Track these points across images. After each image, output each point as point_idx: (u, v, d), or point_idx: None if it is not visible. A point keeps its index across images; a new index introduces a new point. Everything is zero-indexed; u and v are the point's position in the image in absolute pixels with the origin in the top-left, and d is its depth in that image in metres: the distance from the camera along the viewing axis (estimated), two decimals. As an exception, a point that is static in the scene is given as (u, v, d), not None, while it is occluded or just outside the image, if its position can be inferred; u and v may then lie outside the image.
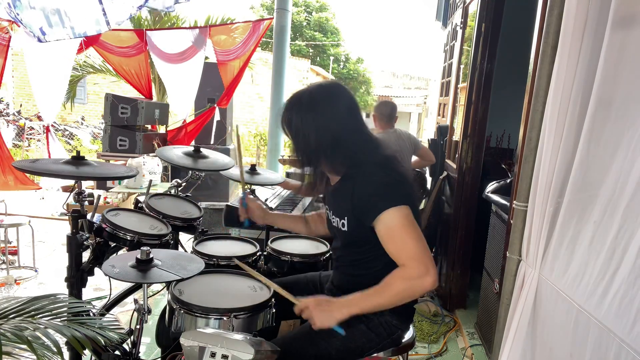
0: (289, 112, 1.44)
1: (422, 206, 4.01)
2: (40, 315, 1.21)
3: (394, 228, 1.34)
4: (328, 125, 1.40)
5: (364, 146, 1.45)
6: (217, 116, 5.98)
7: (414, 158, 3.67)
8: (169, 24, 7.48)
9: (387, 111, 3.53)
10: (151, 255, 1.48)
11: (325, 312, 1.35)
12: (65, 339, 1.16)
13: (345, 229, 1.46)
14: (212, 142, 6.00)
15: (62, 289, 1.77)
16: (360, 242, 1.47)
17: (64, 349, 1.15)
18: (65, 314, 1.27)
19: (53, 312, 1.24)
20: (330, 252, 2.06)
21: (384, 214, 1.34)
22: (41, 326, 1.13)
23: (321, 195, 1.73)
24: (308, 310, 1.37)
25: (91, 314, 1.53)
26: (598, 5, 1.17)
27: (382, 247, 1.40)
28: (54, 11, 3.61)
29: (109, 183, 4.80)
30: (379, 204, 1.35)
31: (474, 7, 3.21)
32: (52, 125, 6.19)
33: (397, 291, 1.34)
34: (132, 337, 1.58)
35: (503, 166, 3.69)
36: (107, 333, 1.24)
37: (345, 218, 1.45)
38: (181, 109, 6.12)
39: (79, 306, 1.35)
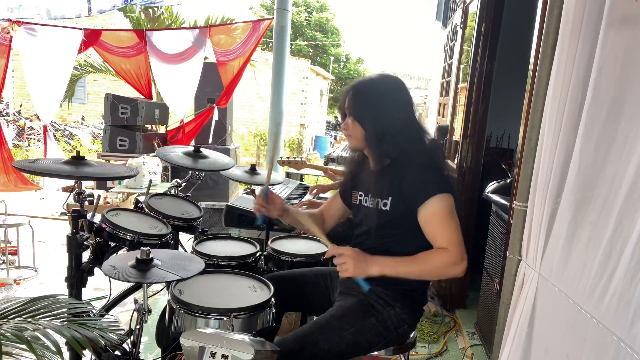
0: (363, 96, 1.52)
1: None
2: (40, 316, 1.21)
3: (441, 213, 1.43)
4: (396, 112, 1.50)
5: (418, 136, 1.54)
6: (215, 116, 5.97)
7: None
8: (167, 23, 7.47)
9: None
10: (151, 255, 1.48)
11: (361, 262, 1.40)
12: (65, 339, 1.15)
13: (387, 208, 1.52)
14: (210, 141, 5.98)
15: (62, 289, 1.77)
16: (398, 224, 1.52)
17: (64, 349, 1.15)
18: (65, 315, 1.26)
19: (53, 312, 1.24)
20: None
21: (433, 198, 1.42)
22: (41, 326, 1.13)
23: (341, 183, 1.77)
24: (343, 256, 1.40)
25: (91, 315, 1.53)
26: (596, 5, 1.17)
27: (413, 236, 1.47)
28: None
29: (109, 183, 4.80)
30: (430, 187, 1.44)
31: (474, 7, 3.21)
32: (52, 125, 6.19)
33: (433, 266, 1.42)
34: (132, 337, 1.58)
35: (503, 166, 3.68)
36: (107, 334, 1.24)
37: (389, 198, 1.51)
38: (179, 109, 6.11)
39: (79, 307, 1.35)
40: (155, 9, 7.29)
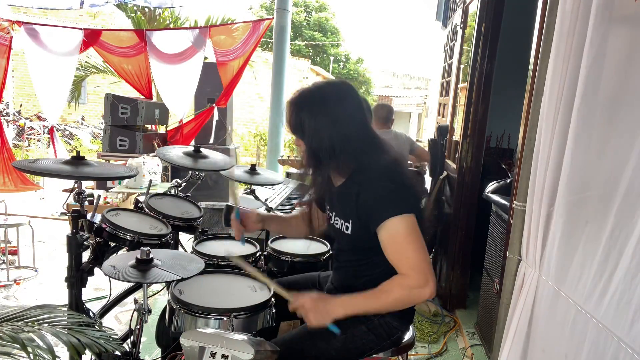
0: (300, 110, 1.40)
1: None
2: (39, 322, 1.20)
3: (397, 237, 1.34)
4: (338, 124, 1.37)
5: (372, 148, 1.43)
6: (215, 116, 5.97)
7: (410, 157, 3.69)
8: (167, 22, 7.47)
9: (384, 114, 3.53)
10: (151, 255, 1.48)
11: (321, 310, 1.36)
12: (65, 343, 1.15)
13: (349, 232, 1.45)
14: (211, 141, 5.98)
15: (62, 289, 1.77)
16: (364, 247, 1.46)
17: (64, 350, 1.15)
18: (64, 324, 1.26)
19: (50, 321, 1.23)
20: (331, 252, 2.06)
21: (388, 221, 1.33)
22: (37, 329, 1.13)
23: (310, 197, 1.70)
24: (303, 308, 1.37)
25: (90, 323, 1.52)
26: (592, 4, 1.17)
27: (382, 258, 1.39)
28: None
29: (109, 183, 4.80)
30: (384, 211, 1.34)
31: (474, 7, 3.21)
32: (54, 126, 6.19)
33: (395, 298, 1.35)
34: (132, 337, 1.58)
35: (503, 166, 3.68)
36: (103, 344, 1.23)
37: (350, 222, 1.44)
38: (178, 109, 6.11)
39: (77, 318, 1.35)
40: (145, 10, 7.29)
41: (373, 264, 1.47)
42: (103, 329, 1.37)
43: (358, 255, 1.50)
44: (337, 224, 1.52)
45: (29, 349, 1.03)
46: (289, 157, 3.47)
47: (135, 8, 7.02)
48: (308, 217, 1.78)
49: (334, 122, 1.37)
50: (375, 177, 1.38)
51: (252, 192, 2.50)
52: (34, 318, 1.20)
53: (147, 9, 7.25)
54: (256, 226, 1.77)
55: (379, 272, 1.44)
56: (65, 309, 1.36)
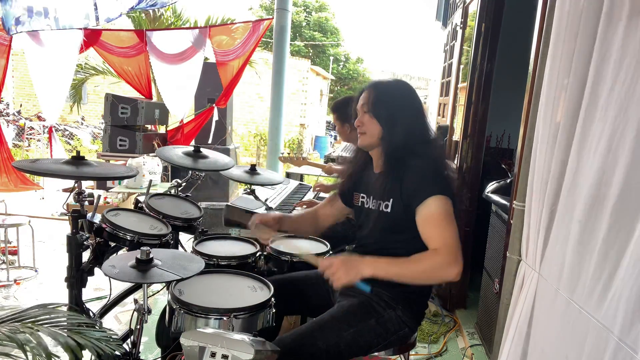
0: (392, 97, 1.56)
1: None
2: (38, 323, 1.20)
3: (437, 214, 1.42)
4: (417, 117, 1.57)
5: (427, 139, 1.58)
6: (215, 116, 5.98)
7: None
8: (169, 22, 7.47)
9: None
10: (151, 255, 1.48)
11: (351, 267, 1.40)
12: (63, 344, 1.15)
13: (389, 210, 1.52)
14: (210, 141, 5.98)
15: (62, 289, 1.77)
16: (399, 227, 1.52)
17: (64, 351, 1.15)
18: (64, 324, 1.26)
19: (49, 321, 1.23)
20: (331, 252, 2.06)
21: (431, 198, 1.43)
22: (36, 330, 1.12)
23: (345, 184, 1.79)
24: (333, 266, 1.41)
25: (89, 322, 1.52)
26: (593, 5, 1.17)
27: (415, 240, 1.46)
28: (39, 3, 3.59)
29: (109, 183, 4.81)
30: (428, 188, 1.44)
31: (474, 7, 3.21)
32: (53, 126, 6.19)
33: (424, 269, 1.41)
34: (132, 337, 1.58)
35: (503, 166, 3.68)
36: (103, 345, 1.23)
37: (391, 200, 1.51)
38: (178, 109, 6.11)
39: (77, 317, 1.35)
40: (150, 12, 7.30)
41: (404, 244, 1.51)
42: (103, 329, 1.37)
43: (390, 235, 1.55)
44: (372, 205, 1.59)
45: (27, 349, 1.03)
46: (289, 154, 3.48)
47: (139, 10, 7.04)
48: (315, 215, 1.92)
49: (414, 112, 1.57)
50: (423, 164, 1.50)
51: (252, 192, 2.50)
52: (33, 319, 1.20)
53: (150, 10, 7.27)
54: (276, 227, 1.90)
55: (407, 253, 1.47)
56: (65, 308, 1.36)
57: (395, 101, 1.56)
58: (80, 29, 5.34)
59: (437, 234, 1.42)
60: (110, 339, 1.27)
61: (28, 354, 1.03)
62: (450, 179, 1.51)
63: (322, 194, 3.12)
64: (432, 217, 1.43)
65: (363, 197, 1.65)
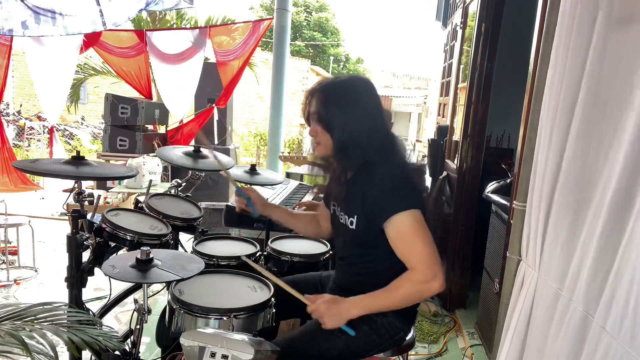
0: (331, 101, 1.40)
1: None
2: (39, 320, 1.20)
3: (405, 231, 1.35)
4: (367, 118, 1.40)
5: (384, 145, 1.44)
6: (216, 116, 5.98)
7: None
8: (170, 24, 7.48)
9: None
10: (151, 255, 1.48)
11: (335, 313, 1.38)
12: (64, 340, 1.15)
13: (354, 227, 1.45)
14: (215, 142, 5.99)
15: (62, 289, 1.77)
16: (368, 242, 1.47)
17: (64, 350, 1.15)
18: (64, 321, 1.26)
19: (51, 318, 1.23)
20: (331, 252, 2.06)
21: (396, 216, 1.35)
22: (38, 327, 1.13)
23: (321, 194, 1.73)
24: (318, 312, 1.39)
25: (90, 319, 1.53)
26: (591, 4, 1.17)
27: (389, 249, 1.40)
28: (46, 9, 3.60)
29: (109, 183, 4.81)
30: (391, 205, 1.36)
31: (474, 7, 3.21)
32: (53, 126, 6.19)
33: (405, 294, 1.37)
34: (132, 337, 1.58)
35: (503, 166, 3.68)
36: (104, 342, 1.23)
37: (355, 216, 1.44)
38: (178, 109, 6.11)
39: (77, 315, 1.35)
40: (158, 13, 7.30)
41: (376, 260, 1.48)
42: (103, 327, 1.37)
43: (361, 250, 1.50)
44: (341, 219, 1.52)
45: (30, 347, 1.03)
46: (289, 153, 3.48)
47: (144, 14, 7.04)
48: (317, 219, 1.82)
49: (365, 116, 1.40)
50: (384, 173, 1.40)
51: (252, 192, 2.49)
52: (33, 317, 1.20)
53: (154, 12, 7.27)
54: (259, 208, 1.77)
55: (382, 268, 1.46)
56: (65, 306, 1.36)
57: (344, 106, 1.38)
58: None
59: (410, 251, 1.36)
60: (112, 336, 1.27)
61: (32, 352, 1.03)
62: (414, 188, 1.41)
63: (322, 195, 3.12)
64: (401, 235, 1.36)
65: (334, 206, 1.58)
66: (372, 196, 1.39)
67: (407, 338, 1.59)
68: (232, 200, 1.82)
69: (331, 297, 1.42)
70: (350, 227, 1.47)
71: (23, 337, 1.05)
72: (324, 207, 1.76)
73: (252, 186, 2.49)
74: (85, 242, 1.72)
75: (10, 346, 1.04)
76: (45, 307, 1.27)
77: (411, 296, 1.39)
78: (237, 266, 1.90)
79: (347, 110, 1.39)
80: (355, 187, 1.43)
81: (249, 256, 1.79)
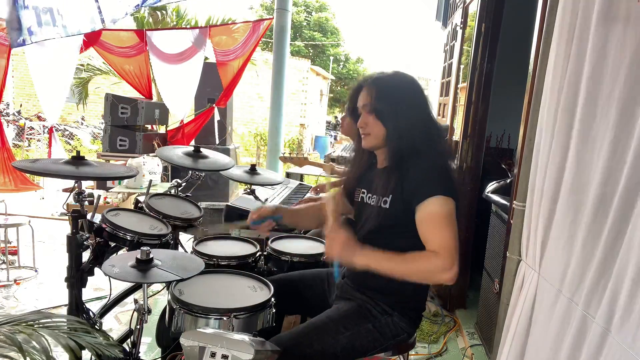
0: (395, 93, 1.47)
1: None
2: (38, 326, 1.20)
3: (437, 215, 1.37)
4: (423, 113, 1.49)
5: (433, 135, 1.50)
6: (217, 116, 5.98)
7: None
8: (171, 23, 7.48)
9: None
10: (151, 255, 1.48)
11: (348, 248, 1.39)
12: (63, 345, 1.15)
13: (387, 206, 1.47)
14: (217, 142, 5.99)
15: (62, 289, 1.77)
16: (396, 223, 1.47)
17: (64, 352, 1.15)
18: (65, 329, 1.26)
19: (49, 325, 1.23)
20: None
21: (433, 198, 1.37)
22: (35, 333, 1.12)
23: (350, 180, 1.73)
24: (336, 238, 1.40)
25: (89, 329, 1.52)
26: (591, 4, 1.17)
27: (411, 238, 1.41)
28: (45, 10, 3.59)
29: (109, 183, 4.80)
30: (431, 187, 1.38)
31: (474, 7, 3.21)
32: (53, 126, 6.19)
33: (418, 269, 1.37)
34: (132, 337, 1.58)
35: (503, 166, 3.68)
36: (101, 348, 1.23)
37: (390, 196, 1.46)
38: (179, 109, 6.11)
39: (74, 324, 1.34)
40: (160, 12, 7.30)
41: (396, 246, 1.45)
42: (101, 332, 1.36)
43: (385, 233, 1.50)
44: (371, 201, 1.54)
45: (32, 356, 1.03)
46: (290, 154, 3.47)
47: (145, 10, 7.05)
48: (319, 210, 1.78)
49: (418, 109, 1.48)
50: (428, 162, 1.44)
51: (252, 192, 2.50)
52: (31, 322, 1.19)
53: (159, 12, 7.28)
54: (270, 227, 1.78)
55: (404, 252, 1.44)
56: (63, 314, 1.36)
57: (398, 99, 1.46)
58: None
59: (437, 235, 1.36)
60: (108, 342, 1.27)
61: (27, 356, 1.03)
62: (454, 180, 1.46)
63: (322, 194, 3.12)
64: (433, 217, 1.37)
65: (364, 193, 1.61)
66: (414, 177, 1.42)
67: (409, 340, 1.59)
68: (232, 200, 1.81)
69: (352, 237, 1.43)
70: (384, 206, 1.48)
71: (20, 341, 1.04)
72: (339, 197, 1.77)
73: (253, 186, 2.50)
74: (85, 242, 1.72)
75: (8, 350, 1.04)
76: (40, 314, 1.27)
77: (423, 274, 1.37)
78: (237, 266, 1.90)
79: (401, 102, 1.46)
80: (396, 171, 1.46)
81: (240, 258, 1.76)
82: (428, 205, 1.38)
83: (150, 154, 4.87)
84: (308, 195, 3.01)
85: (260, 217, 1.71)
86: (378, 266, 1.39)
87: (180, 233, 2.27)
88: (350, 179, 1.72)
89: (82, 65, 7.05)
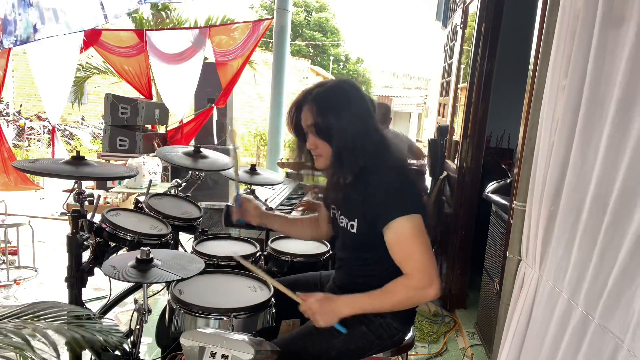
0: (325, 110, 1.37)
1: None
2: (40, 318, 1.20)
3: (403, 237, 1.34)
4: (361, 123, 1.37)
5: (382, 147, 1.42)
6: (215, 116, 5.97)
7: None
8: (172, 25, 7.49)
9: (381, 112, 3.53)
10: (151, 255, 1.48)
11: (327, 311, 1.37)
12: (64, 340, 1.15)
13: (355, 230, 1.45)
14: (215, 142, 5.98)
15: (62, 289, 1.77)
16: (368, 246, 1.46)
17: (64, 350, 1.15)
18: (65, 318, 1.26)
19: (52, 315, 1.23)
20: (331, 252, 2.06)
21: (395, 221, 1.34)
22: (40, 326, 1.13)
23: (320, 195, 1.73)
24: (310, 310, 1.39)
25: (91, 316, 1.53)
26: (592, 4, 1.17)
27: (385, 258, 1.40)
28: (48, 7, 3.59)
29: (109, 183, 4.80)
30: (391, 211, 1.34)
31: (474, 7, 3.21)
32: (54, 126, 6.19)
33: (399, 299, 1.37)
34: (132, 337, 1.58)
35: (503, 166, 3.68)
36: (106, 337, 1.23)
37: (356, 220, 1.44)
38: (178, 109, 6.11)
39: (78, 311, 1.35)
40: (165, 12, 7.31)
41: (377, 262, 1.47)
42: (105, 321, 1.37)
43: (361, 253, 1.50)
44: (342, 222, 1.52)
45: (36, 353, 1.03)
46: (288, 159, 3.48)
47: (146, 8, 7.05)
48: (316, 221, 1.81)
49: (358, 121, 1.37)
50: (383, 177, 1.39)
51: (252, 192, 2.50)
52: (32, 314, 1.20)
53: (162, 13, 7.29)
54: (255, 219, 1.75)
55: (382, 271, 1.45)
56: (65, 303, 1.36)
57: (337, 115, 1.35)
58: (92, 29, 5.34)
59: (407, 257, 1.35)
60: (113, 331, 1.27)
61: (27, 352, 1.03)
62: (414, 192, 1.41)
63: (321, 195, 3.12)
64: (400, 240, 1.35)
65: (335, 211, 1.57)
66: (372, 201, 1.38)
67: (407, 338, 1.59)
68: (232, 201, 1.81)
69: (324, 296, 1.42)
70: (351, 230, 1.46)
71: (25, 335, 1.05)
72: (325, 209, 1.76)
73: (253, 186, 2.50)
74: (85, 242, 1.73)
75: (7, 348, 1.04)
76: (43, 304, 1.27)
77: (406, 301, 1.37)
78: (237, 266, 1.90)
79: (341, 115, 1.36)
80: (355, 192, 1.42)
81: (244, 257, 1.78)
82: (392, 229, 1.34)
83: (150, 154, 4.87)
84: (306, 198, 3.00)
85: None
86: (362, 310, 1.39)
87: (180, 233, 2.28)
88: (324, 194, 1.67)
89: (80, 65, 7.04)
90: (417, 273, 1.33)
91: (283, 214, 1.94)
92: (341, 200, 1.51)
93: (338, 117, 1.36)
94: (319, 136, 1.40)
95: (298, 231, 1.85)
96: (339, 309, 1.38)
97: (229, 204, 1.86)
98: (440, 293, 1.36)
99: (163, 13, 7.35)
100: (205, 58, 5.94)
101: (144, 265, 1.46)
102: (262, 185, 2.51)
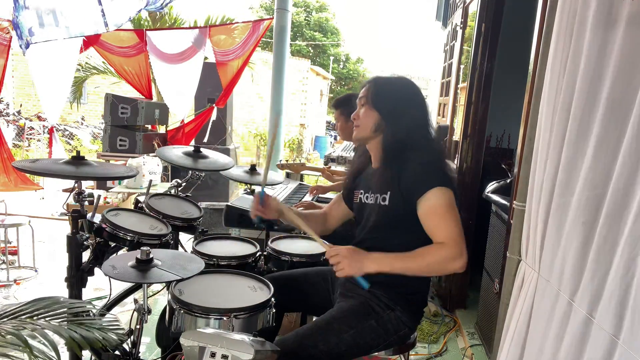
0: (397, 93, 1.54)
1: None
2: (40, 316, 1.20)
3: (440, 206, 1.40)
4: (412, 109, 1.53)
5: (428, 137, 1.55)
6: (213, 116, 5.97)
7: None
8: (169, 24, 7.49)
9: None
10: (151, 255, 1.48)
11: (356, 261, 1.41)
12: (65, 339, 1.15)
13: (387, 202, 1.49)
14: (205, 140, 5.97)
15: (62, 289, 1.77)
16: (396, 220, 1.49)
17: (64, 350, 1.15)
18: (65, 315, 1.26)
19: (52, 313, 1.23)
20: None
21: (432, 190, 1.40)
22: (39, 327, 1.12)
23: (321, 195, 1.75)
24: (338, 256, 1.41)
25: (91, 314, 1.53)
26: (589, 4, 1.17)
27: (412, 233, 1.44)
28: (48, 11, 3.60)
29: (109, 183, 4.80)
30: (429, 180, 1.41)
31: (474, 7, 3.21)
32: (54, 126, 6.19)
33: (429, 262, 1.40)
34: (132, 337, 1.58)
35: (503, 166, 3.68)
36: (107, 335, 1.23)
37: (388, 193, 1.49)
38: (179, 109, 6.11)
39: (79, 307, 1.35)
40: (157, 13, 7.31)
41: (397, 244, 1.48)
42: (105, 318, 1.37)
43: (385, 231, 1.52)
44: (370, 200, 1.56)
45: (35, 353, 1.03)
46: (287, 161, 3.48)
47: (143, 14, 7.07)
48: (325, 215, 1.85)
49: (411, 106, 1.53)
50: (422, 153, 1.47)
51: (252, 192, 2.50)
52: (30, 313, 1.20)
53: (157, 13, 7.28)
54: (274, 214, 1.73)
55: (408, 248, 1.46)
56: (65, 298, 1.36)
57: (396, 94, 1.54)
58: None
59: (442, 226, 1.40)
60: (114, 327, 1.27)
61: (33, 352, 1.03)
62: (451, 173, 1.49)
63: (320, 195, 3.12)
64: (435, 209, 1.40)
65: (362, 194, 1.64)
66: (411, 172, 1.44)
67: (410, 337, 1.59)
68: (233, 200, 1.80)
69: (354, 248, 1.46)
70: (383, 203, 1.50)
71: (24, 336, 1.04)
72: (336, 205, 1.81)
73: (253, 186, 2.50)
74: (85, 242, 1.73)
75: (11, 348, 1.04)
76: (42, 301, 1.27)
77: (434, 266, 1.41)
78: (237, 266, 1.90)
79: (397, 98, 1.52)
80: (392, 166, 1.49)
81: (240, 258, 1.76)
82: (429, 198, 1.41)
83: (150, 154, 4.87)
84: (306, 198, 3.01)
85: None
86: (390, 268, 1.42)
87: (180, 233, 2.28)
88: (347, 182, 1.75)
89: (79, 65, 7.04)
90: (450, 242, 1.38)
91: (298, 210, 1.94)
92: (371, 180, 1.57)
93: (397, 95, 1.53)
94: (373, 106, 1.52)
95: (312, 226, 1.83)
96: (368, 262, 1.41)
97: (229, 203, 1.86)
98: (465, 268, 1.39)
99: (158, 13, 7.34)
100: (205, 58, 5.94)
101: (144, 265, 1.45)
102: (260, 186, 2.51)
